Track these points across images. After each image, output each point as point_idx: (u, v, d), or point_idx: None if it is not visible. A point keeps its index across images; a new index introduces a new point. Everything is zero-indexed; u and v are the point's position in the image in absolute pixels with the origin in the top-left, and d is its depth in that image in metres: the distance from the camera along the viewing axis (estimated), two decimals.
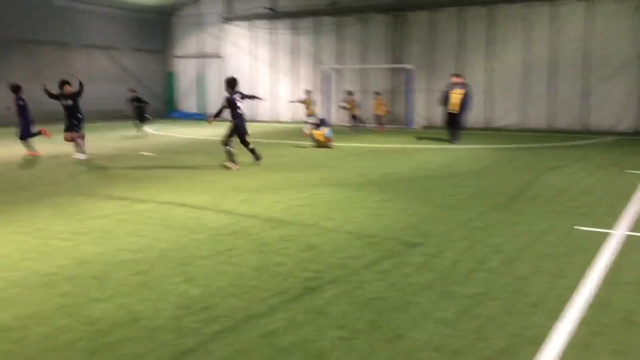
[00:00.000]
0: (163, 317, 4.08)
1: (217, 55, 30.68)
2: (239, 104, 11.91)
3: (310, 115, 20.02)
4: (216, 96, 30.94)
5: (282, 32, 28.54)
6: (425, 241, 6.13)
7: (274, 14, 28.43)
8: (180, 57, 31.97)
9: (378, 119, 22.79)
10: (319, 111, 22.88)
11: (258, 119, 29.45)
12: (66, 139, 13.27)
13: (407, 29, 25.39)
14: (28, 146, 14.13)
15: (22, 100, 14.05)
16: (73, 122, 13.14)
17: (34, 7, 25.74)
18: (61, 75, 26.25)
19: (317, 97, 25.92)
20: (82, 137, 13.36)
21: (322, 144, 15.93)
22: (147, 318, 4.06)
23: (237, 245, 5.92)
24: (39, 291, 4.61)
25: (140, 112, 20.98)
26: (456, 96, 16.92)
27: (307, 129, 19.80)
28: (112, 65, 29.44)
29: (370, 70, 26.37)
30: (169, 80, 32.30)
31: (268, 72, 29.18)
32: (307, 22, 27.79)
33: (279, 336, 3.76)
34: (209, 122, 12.44)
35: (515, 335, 3.77)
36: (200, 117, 30.37)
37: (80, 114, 13.26)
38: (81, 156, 13.14)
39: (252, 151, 12.15)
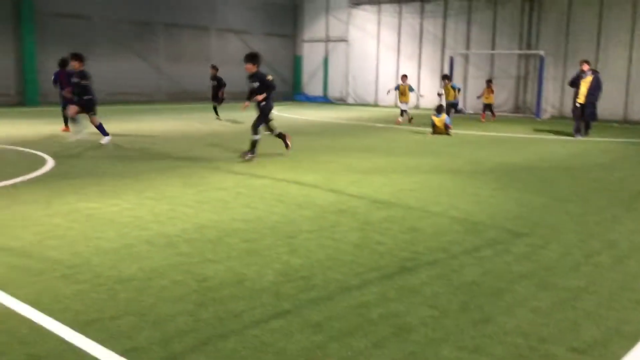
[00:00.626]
0: (265, 281, 4.41)
1: (343, 40, 31.10)
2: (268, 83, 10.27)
3: (404, 102, 19.53)
4: (341, 80, 31.47)
5: (409, 16, 28.31)
6: (533, 232, 5.99)
7: None
8: (307, 41, 32.79)
9: (487, 107, 21.55)
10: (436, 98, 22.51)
11: (380, 104, 29.57)
12: (70, 114, 12.42)
13: (542, 14, 24.16)
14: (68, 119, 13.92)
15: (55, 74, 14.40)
16: (79, 100, 12.15)
17: None
18: (203, 59, 27.69)
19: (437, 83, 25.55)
20: (81, 117, 12.39)
21: (440, 131, 15.75)
22: (251, 280, 4.41)
23: (341, 223, 6.16)
24: (162, 249, 5.16)
25: (215, 93, 19.04)
26: (585, 85, 15.64)
27: (401, 116, 19.46)
28: (244, 48, 30.79)
29: (498, 56, 25.45)
30: (296, 63, 33.28)
31: (392, 56, 29.13)
32: (434, 6, 27.34)
33: (370, 308, 3.94)
34: (244, 107, 10.96)
35: (611, 329, 3.66)
36: (324, 100, 31.05)
37: (88, 95, 12.14)
38: (76, 136, 12.48)
39: (279, 135, 10.83)
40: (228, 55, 29.48)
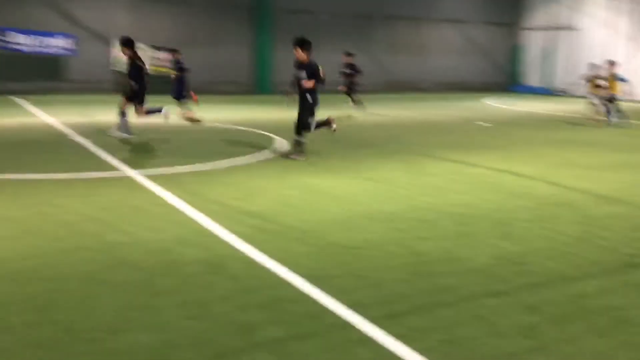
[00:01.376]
0: (478, 262, 4.53)
1: (569, 28, 28.97)
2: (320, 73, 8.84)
3: (594, 94, 16.80)
4: (564, 70, 29.42)
5: None
6: None
7: None
8: (528, 29, 31.17)
9: None
10: None
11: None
12: (136, 113, 10.97)
13: None
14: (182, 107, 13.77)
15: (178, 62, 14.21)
16: (131, 92, 10.70)
17: None
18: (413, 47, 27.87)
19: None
20: (131, 111, 10.87)
21: None
22: (463, 260, 4.57)
23: (560, 215, 5.97)
24: (380, 224, 5.55)
25: (350, 83, 17.45)
26: None
27: (592, 109, 16.97)
28: (459, 38, 30.44)
29: None
30: (514, 53, 31.89)
31: (626, 45, 26.36)
32: None
33: (587, 299, 3.86)
34: (288, 98, 9.44)
35: None
36: (545, 92, 29.39)
37: (136, 85, 10.61)
38: (117, 134, 10.85)
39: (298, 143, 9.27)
40: (443, 45, 29.43)
